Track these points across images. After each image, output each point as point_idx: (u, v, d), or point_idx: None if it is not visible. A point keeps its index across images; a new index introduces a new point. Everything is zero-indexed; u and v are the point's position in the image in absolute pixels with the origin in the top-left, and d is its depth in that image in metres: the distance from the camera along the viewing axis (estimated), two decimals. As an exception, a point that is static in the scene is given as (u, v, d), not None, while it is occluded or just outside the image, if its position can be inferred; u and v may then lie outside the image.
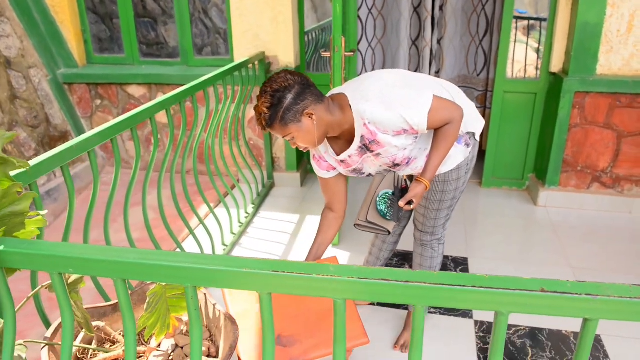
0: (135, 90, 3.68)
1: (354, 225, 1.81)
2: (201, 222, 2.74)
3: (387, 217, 1.73)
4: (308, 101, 1.57)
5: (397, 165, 1.75)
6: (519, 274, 2.61)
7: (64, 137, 3.66)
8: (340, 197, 1.86)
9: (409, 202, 1.71)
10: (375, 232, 1.76)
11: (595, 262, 2.79)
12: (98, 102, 3.79)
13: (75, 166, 3.64)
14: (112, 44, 4.08)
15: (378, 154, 1.69)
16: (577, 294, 0.77)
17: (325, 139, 1.72)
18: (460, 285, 0.79)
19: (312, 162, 1.83)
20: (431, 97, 1.61)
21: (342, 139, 1.73)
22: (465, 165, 1.88)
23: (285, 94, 1.54)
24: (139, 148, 1.94)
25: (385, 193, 1.74)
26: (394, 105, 1.58)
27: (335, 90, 1.74)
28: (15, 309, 1.08)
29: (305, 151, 1.73)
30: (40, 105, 3.52)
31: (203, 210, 3.18)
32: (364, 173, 1.83)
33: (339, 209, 1.87)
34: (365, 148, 1.68)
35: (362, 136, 1.65)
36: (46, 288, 1.19)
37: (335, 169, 1.81)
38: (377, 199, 1.73)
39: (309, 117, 1.57)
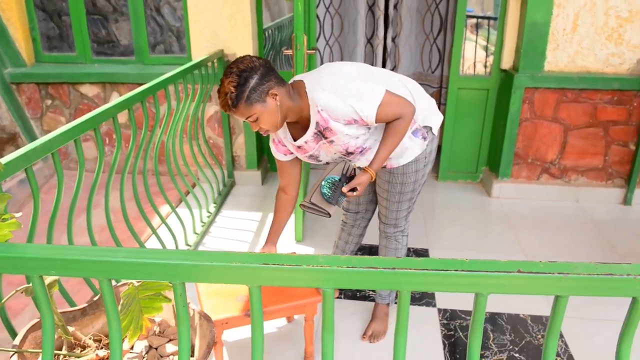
0: (89, 90, 3.57)
1: (300, 205, 1.88)
2: (163, 221, 2.71)
3: (329, 201, 1.80)
4: (272, 82, 1.63)
5: (351, 153, 1.82)
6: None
7: (12, 139, 3.51)
8: (295, 180, 1.94)
9: (353, 190, 1.78)
10: (318, 214, 1.83)
11: (547, 248, 2.94)
12: (48, 102, 3.65)
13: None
14: (61, 42, 3.94)
15: (332, 141, 1.76)
16: (550, 273, 0.83)
17: (285, 124, 1.78)
18: (443, 270, 0.83)
19: (271, 144, 1.89)
20: (383, 92, 1.69)
21: (300, 125, 1.78)
22: (423, 158, 1.96)
23: (252, 74, 1.58)
24: (102, 149, 1.90)
25: (331, 178, 1.81)
26: (346, 96, 1.66)
27: (295, 78, 1.81)
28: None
29: (265, 134, 1.75)
30: (-14, 106, 3.36)
31: (164, 210, 3.13)
32: (320, 160, 1.89)
33: (291, 191, 1.95)
34: (320, 134, 1.74)
35: (316, 122, 1.72)
36: (22, 292, 1.15)
37: (292, 153, 1.86)
38: (323, 183, 1.80)
39: (274, 97, 1.63)
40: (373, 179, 1.80)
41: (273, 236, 1.97)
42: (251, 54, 3.40)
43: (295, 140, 1.82)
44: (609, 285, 0.84)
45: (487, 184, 3.66)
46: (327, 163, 1.93)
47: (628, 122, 3.31)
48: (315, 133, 1.75)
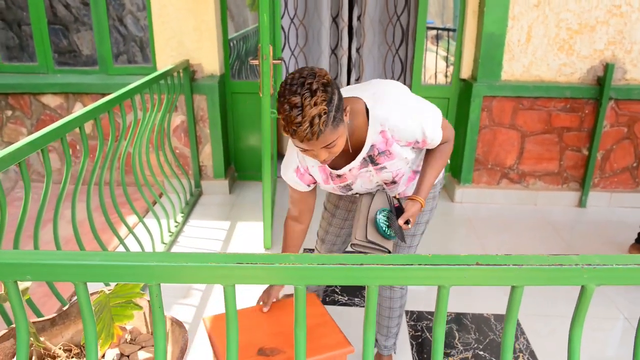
0: (51, 100, 3.52)
1: (351, 245, 1.59)
2: (131, 231, 2.69)
3: (390, 236, 1.57)
4: (342, 99, 1.37)
5: (394, 182, 1.65)
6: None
7: (-30, 151, 3.41)
8: (311, 209, 1.77)
9: (407, 222, 1.57)
10: (374, 252, 1.57)
11: (508, 249, 3.06)
12: (9, 112, 3.57)
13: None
14: (21, 52, 3.87)
15: (382, 168, 1.56)
16: (506, 264, 0.90)
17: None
18: (408, 264, 0.89)
19: (293, 175, 1.61)
20: (440, 113, 1.57)
21: (343, 149, 1.48)
22: (439, 182, 1.83)
23: (334, 88, 1.31)
24: (69, 158, 1.89)
25: (384, 210, 1.60)
26: (417, 114, 1.47)
27: (342, 92, 1.52)
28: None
29: (325, 163, 1.45)
30: (-57, 117, 3.27)
31: (131, 220, 3.11)
32: (351, 190, 1.68)
33: (306, 220, 1.78)
34: (370, 160, 1.54)
35: (372, 145, 1.50)
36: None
37: (315, 182, 1.65)
38: (377, 217, 1.58)
39: (347, 114, 1.38)
40: (423, 208, 1.60)
41: None
42: (217, 64, 3.44)
43: (334, 168, 1.57)
44: (559, 275, 0.91)
45: (449, 189, 3.77)
46: (356, 194, 1.72)
47: (580, 129, 3.49)
48: (365, 159, 1.53)
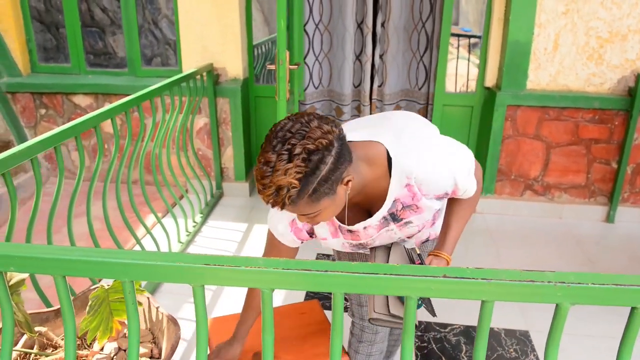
0: (82, 100, 3.65)
1: (369, 320, 1.29)
2: (148, 231, 2.76)
3: (418, 306, 1.23)
4: (347, 162, 1.12)
5: (411, 236, 1.42)
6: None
7: (6, 146, 3.58)
8: None
9: None
10: (396, 327, 1.30)
11: (526, 264, 2.98)
12: (43, 111, 3.73)
13: (18, 176, 3.56)
14: (57, 53, 4.03)
15: (407, 222, 1.32)
16: (474, 278, 0.88)
17: None
18: (373, 274, 0.88)
19: (285, 229, 1.34)
20: (472, 155, 1.34)
21: (358, 205, 1.30)
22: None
23: (325, 157, 1.06)
24: (82, 157, 1.96)
25: None
26: (446, 162, 1.23)
27: (352, 133, 1.23)
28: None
29: (312, 223, 1.23)
30: (-19, 114, 3.44)
31: (150, 220, 3.19)
32: (366, 247, 1.43)
33: None
34: (392, 218, 1.30)
35: (394, 200, 1.26)
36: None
37: (310, 238, 1.39)
38: None
39: (347, 185, 1.14)
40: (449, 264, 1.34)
41: (244, 333, 1.54)
42: (241, 67, 3.50)
43: (347, 223, 1.32)
44: (531, 292, 0.89)
45: (471, 199, 3.70)
46: (370, 248, 1.45)
47: (610, 141, 3.37)
48: (385, 217, 1.29)
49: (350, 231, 1.34)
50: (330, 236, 1.38)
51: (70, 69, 3.74)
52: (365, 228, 1.32)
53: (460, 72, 6.68)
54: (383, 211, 1.27)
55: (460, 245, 3.19)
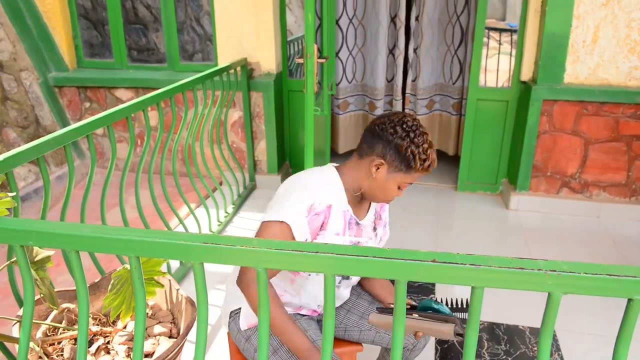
0: (123, 94, 3.81)
1: (368, 321, 1.38)
2: (181, 221, 2.86)
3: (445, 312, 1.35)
4: None
5: None
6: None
7: (53, 138, 3.78)
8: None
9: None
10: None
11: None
12: (87, 104, 3.91)
13: (63, 166, 3.76)
14: (102, 49, 4.22)
15: (377, 233, 1.59)
16: (463, 264, 0.89)
17: (346, 199, 1.46)
18: (362, 256, 0.90)
19: (302, 214, 1.35)
20: None
21: (360, 204, 1.52)
22: None
23: None
24: (114, 146, 2.06)
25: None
26: None
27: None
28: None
29: (389, 202, 1.49)
30: (31, 107, 3.65)
31: (183, 211, 3.30)
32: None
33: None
34: (373, 226, 1.58)
35: (375, 210, 1.58)
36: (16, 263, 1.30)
37: (319, 236, 1.43)
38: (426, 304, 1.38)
39: None
40: None
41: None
42: (274, 62, 3.56)
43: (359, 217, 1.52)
44: (521, 279, 0.89)
45: (505, 195, 3.63)
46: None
47: (653, 138, 3.23)
48: (372, 222, 1.56)
49: (357, 224, 1.49)
50: (342, 232, 1.44)
51: (113, 64, 3.91)
52: (365, 226, 1.52)
53: (503, 68, 6.53)
54: (370, 215, 1.54)
55: (491, 243, 3.14)
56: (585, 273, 0.88)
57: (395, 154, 1.36)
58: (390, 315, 1.30)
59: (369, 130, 1.43)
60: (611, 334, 2.27)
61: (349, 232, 1.45)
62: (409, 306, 1.45)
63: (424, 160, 1.36)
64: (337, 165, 1.52)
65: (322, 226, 1.40)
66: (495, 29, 6.48)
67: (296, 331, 1.33)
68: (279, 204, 1.36)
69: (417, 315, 1.32)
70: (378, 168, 1.39)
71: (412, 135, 1.35)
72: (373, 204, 1.56)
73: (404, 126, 1.36)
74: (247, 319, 1.51)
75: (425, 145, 1.36)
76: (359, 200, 1.49)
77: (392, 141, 1.36)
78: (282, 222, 1.31)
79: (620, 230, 3.28)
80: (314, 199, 1.36)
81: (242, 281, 1.31)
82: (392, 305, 1.48)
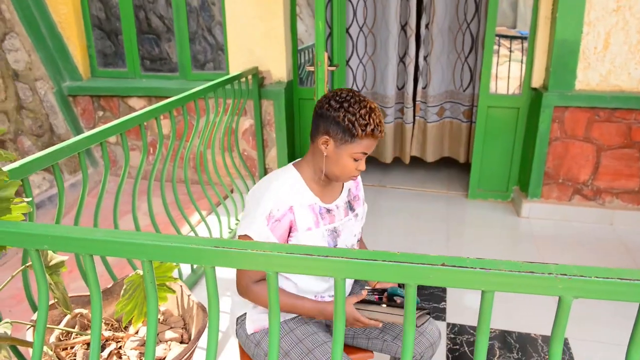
0: (136, 103, 3.86)
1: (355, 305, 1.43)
2: (192, 228, 2.87)
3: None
4: None
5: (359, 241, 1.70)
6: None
7: (67, 146, 3.84)
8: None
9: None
10: (373, 315, 1.43)
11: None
12: (100, 113, 3.97)
13: (77, 174, 3.80)
14: (116, 58, 4.28)
15: (357, 214, 1.63)
16: (473, 268, 0.89)
17: (311, 192, 1.51)
18: (373, 260, 0.91)
19: (261, 224, 1.40)
20: None
21: (328, 189, 1.56)
22: None
23: None
24: (127, 154, 2.09)
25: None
26: None
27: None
28: (2, 285, 1.22)
29: (354, 179, 1.53)
30: (45, 115, 3.71)
31: (194, 218, 3.32)
32: (338, 240, 1.55)
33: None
34: (349, 207, 1.61)
35: (349, 189, 1.62)
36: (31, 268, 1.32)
37: (292, 238, 1.47)
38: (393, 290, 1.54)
39: None
40: None
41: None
42: (285, 70, 3.59)
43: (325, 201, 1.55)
44: (531, 283, 0.89)
45: (517, 203, 3.61)
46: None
47: (666, 144, 3.20)
48: (346, 203, 1.60)
49: (328, 211, 1.53)
50: (314, 225, 1.49)
51: (126, 73, 3.96)
52: (337, 207, 1.55)
53: (514, 75, 6.51)
54: (344, 196, 1.58)
55: (502, 250, 3.12)
56: (597, 277, 0.87)
57: (336, 127, 1.40)
58: (372, 307, 1.40)
59: (313, 114, 1.49)
60: (626, 342, 2.24)
61: (322, 222, 1.50)
62: (377, 294, 1.56)
63: (365, 125, 1.38)
64: (297, 161, 1.57)
65: (291, 228, 1.46)
66: (506, 37, 6.48)
67: (303, 302, 1.46)
68: (244, 217, 1.46)
69: (385, 307, 1.39)
70: (326, 145, 1.43)
71: (345, 105, 1.39)
72: (346, 184, 1.60)
73: (337, 99, 1.41)
74: (254, 323, 1.54)
75: (363, 111, 1.39)
76: (328, 184, 1.53)
77: (329, 116, 1.40)
78: (245, 235, 1.42)
79: (634, 237, 3.24)
80: (271, 207, 1.41)
81: (240, 289, 1.45)
82: (375, 290, 1.60)
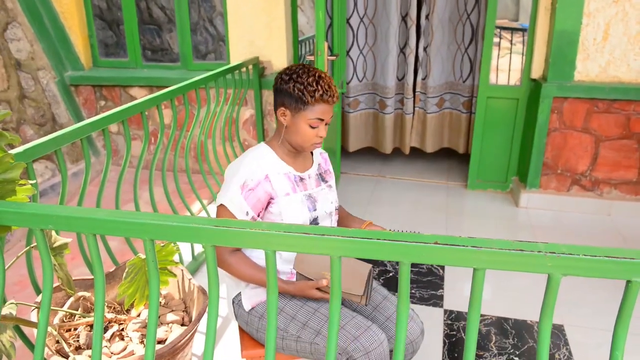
0: (137, 92, 3.88)
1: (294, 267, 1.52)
2: (193, 216, 2.91)
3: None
4: None
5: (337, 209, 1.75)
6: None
7: (69, 135, 3.86)
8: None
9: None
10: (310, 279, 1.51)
11: (568, 259, 2.90)
12: (102, 102, 3.99)
13: (79, 163, 3.83)
14: (117, 48, 4.30)
15: (330, 185, 1.71)
16: (465, 246, 0.92)
17: (284, 162, 1.60)
18: (367, 238, 0.94)
19: (235, 193, 1.49)
20: None
21: (299, 160, 1.65)
22: None
23: None
24: (129, 141, 2.12)
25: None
26: None
27: None
28: (6, 266, 1.25)
29: (316, 147, 1.59)
30: (48, 105, 3.73)
31: (195, 207, 3.35)
32: (316, 207, 1.62)
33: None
34: (321, 178, 1.69)
35: (319, 164, 1.72)
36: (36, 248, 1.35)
37: (263, 209, 1.55)
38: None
39: None
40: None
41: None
42: (285, 61, 3.60)
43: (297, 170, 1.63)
44: (520, 261, 0.91)
45: (515, 194, 3.64)
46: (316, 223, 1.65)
47: (665, 135, 3.22)
48: (317, 175, 1.69)
49: (301, 179, 1.62)
50: (291, 191, 1.58)
51: (127, 63, 3.98)
52: (309, 177, 1.64)
53: (515, 67, 6.52)
54: (314, 168, 1.68)
55: (498, 238, 3.14)
56: (584, 255, 0.90)
57: (289, 98, 1.50)
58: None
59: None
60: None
61: (298, 189, 1.60)
62: None
63: (314, 92, 1.47)
64: (268, 138, 1.70)
65: (270, 195, 1.54)
66: (507, 29, 6.47)
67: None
68: (222, 189, 1.56)
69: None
70: (284, 116, 1.54)
71: (294, 76, 1.50)
72: (315, 158, 1.71)
73: (287, 71, 1.53)
74: (251, 299, 1.61)
75: (310, 79, 1.48)
76: (298, 154, 1.63)
77: (282, 89, 1.52)
78: (221, 205, 1.53)
79: (631, 227, 3.26)
80: (245, 177, 1.51)
81: (218, 262, 1.54)
82: None
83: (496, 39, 3.49)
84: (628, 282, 0.91)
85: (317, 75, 1.50)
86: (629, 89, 3.13)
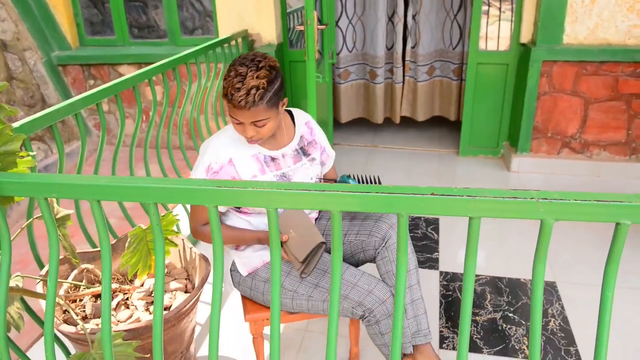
0: (126, 70, 3.85)
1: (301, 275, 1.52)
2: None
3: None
4: (283, 90, 1.48)
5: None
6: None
7: (59, 116, 3.84)
8: None
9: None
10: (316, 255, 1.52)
11: (561, 225, 2.96)
12: (91, 82, 3.96)
13: (71, 143, 3.82)
14: (104, 26, 4.24)
15: (313, 159, 1.67)
16: (460, 195, 0.95)
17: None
18: (366, 192, 0.97)
19: (201, 175, 1.53)
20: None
21: (272, 140, 1.60)
22: None
23: (278, 75, 1.44)
24: (123, 116, 2.12)
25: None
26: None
27: None
28: (12, 237, 1.27)
29: (252, 143, 1.50)
30: (36, 85, 3.70)
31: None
32: (289, 179, 1.61)
33: None
34: (302, 152, 1.64)
35: (301, 136, 1.65)
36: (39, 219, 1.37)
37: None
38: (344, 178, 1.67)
39: (282, 106, 1.49)
40: None
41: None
42: (275, 33, 3.58)
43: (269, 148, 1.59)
44: (514, 208, 0.95)
45: (507, 158, 3.68)
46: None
47: (652, 95, 3.25)
48: (297, 150, 1.63)
49: (272, 159, 1.58)
50: (259, 172, 1.55)
51: (115, 41, 3.94)
52: (283, 156, 1.59)
53: (504, 35, 6.52)
54: (294, 143, 1.62)
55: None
56: (575, 200, 0.94)
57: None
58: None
59: None
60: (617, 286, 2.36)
61: (268, 170, 1.56)
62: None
63: (227, 90, 1.37)
64: None
65: (234, 179, 1.52)
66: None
67: (244, 232, 1.60)
68: (194, 166, 1.57)
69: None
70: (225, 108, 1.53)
71: (231, 67, 1.40)
72: (298, 129, 1.65)
73: (236, 59, 1.42)
74: (245, 266, 1.66)
75: (231, 75, 1.38)
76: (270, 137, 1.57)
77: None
78: None
79: (621, 188, 3.33)
80: (210, 160, 1.51)
81: (192, 232, 1.62)
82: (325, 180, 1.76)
83: (485, 7, 3.48)
84: (617, 224, 0.95)
85: (239, 73, 1.36)
86: (617, 51, 3.16)
